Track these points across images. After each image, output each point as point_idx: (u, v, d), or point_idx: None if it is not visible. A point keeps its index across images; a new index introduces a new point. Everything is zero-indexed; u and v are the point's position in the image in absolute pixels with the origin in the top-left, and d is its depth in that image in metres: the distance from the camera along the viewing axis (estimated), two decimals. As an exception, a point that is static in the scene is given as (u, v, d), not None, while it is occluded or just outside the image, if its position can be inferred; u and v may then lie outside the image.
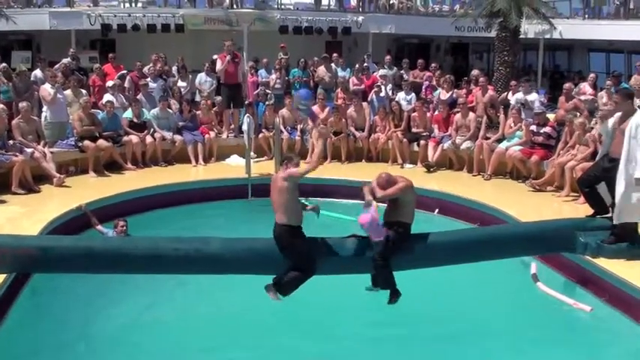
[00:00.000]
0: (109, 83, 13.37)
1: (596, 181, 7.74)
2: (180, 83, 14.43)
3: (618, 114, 7.45)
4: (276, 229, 6.53)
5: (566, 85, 13.04)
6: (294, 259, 6.50)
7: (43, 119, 11.72)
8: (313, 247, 6.58)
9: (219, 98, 13.70)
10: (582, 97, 12.65)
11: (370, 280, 6.88)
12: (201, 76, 14.58)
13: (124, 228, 8.35)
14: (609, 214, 7.47)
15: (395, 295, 6.68)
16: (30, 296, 7.17)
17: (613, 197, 7.34)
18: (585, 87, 13.80)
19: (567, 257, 7.67)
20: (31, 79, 13.25)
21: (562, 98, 12.61)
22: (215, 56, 15.25)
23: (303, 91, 6.61)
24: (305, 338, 6.56)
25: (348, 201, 10.36)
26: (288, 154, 7.25)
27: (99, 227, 8.75)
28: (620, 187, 7.04)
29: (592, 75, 14.60)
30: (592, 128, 10.05)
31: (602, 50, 22.88)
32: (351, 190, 10.53)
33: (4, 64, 13.82)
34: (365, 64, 15.87)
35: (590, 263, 7.26)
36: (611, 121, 7.48)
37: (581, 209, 8.76)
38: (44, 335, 6.56)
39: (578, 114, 10.96)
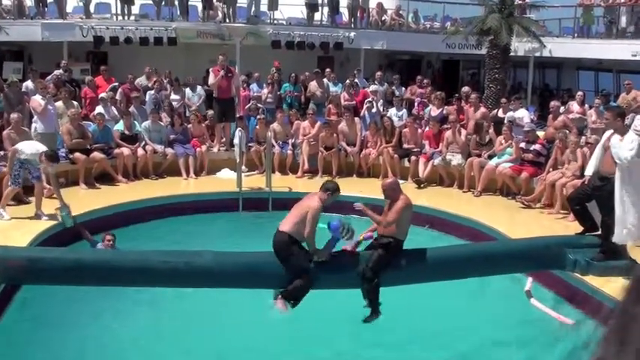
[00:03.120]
0: (102, 95, 13.37)
1: (586, 199, 7.79)
2: (173, 96, 14.45)
3: (608, 132, 7.54)
4: (276, 236, 6.54)
5: (552, 104, 13.17)
6: (291, 268, 6.51)
7: (33, 130, 11.67)
8: (309, 261, 6.58)
9: (210, 112, 13.72)
10: (571, 116, 12.78)
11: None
12: (188, 92, 14.65)
13: (111, 242, 8.34)
14: (598, 232, 7.53)
15: (374, 315, 6.67)
16: (20, 307, 7.14)
17: (603, 215, 7.40)
18: (573, 105, 13.93)
19: (557, 274, 7.71)
20: (22, 90, 13.23)
21: (551, 116, 12.74)
22: (211, 70, 15.32)
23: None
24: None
25: (338, 215, 10.34)
26: (336, 185, 7.01)
27: (91, 239, 8.76)
28: (618, 207, 7.09)
29: (580, 93, 14.74)
30: (582, 146, 10.13)
31: (591, 69, 23.10)
32: (341, 205, 10.63)
33: (-5, 75, 13.81)
34: (355, 80, 15.95)
35: (579, 280, 7.30)
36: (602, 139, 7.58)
37: (571, 226, 8.82)
38: (34, 346, 6.52)
39: (568, 132, 11.05)
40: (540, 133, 12.15)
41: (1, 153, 10.40)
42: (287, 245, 6.48)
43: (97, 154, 11.56)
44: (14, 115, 10.98)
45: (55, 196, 9.31)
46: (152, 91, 14.31)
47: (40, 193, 9.35)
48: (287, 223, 6.54)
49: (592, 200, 7.77)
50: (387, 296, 6.69)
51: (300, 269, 6.49)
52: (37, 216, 9.16)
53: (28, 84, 13.59)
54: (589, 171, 7.86)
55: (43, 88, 12.30)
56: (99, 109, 12.74)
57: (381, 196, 7.05)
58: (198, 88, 14.85)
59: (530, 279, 8.03)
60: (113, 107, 13.21)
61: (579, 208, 7.96)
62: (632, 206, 7.06)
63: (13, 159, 9.14)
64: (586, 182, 7.96)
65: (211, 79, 13.22)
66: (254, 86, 15.67)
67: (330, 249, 6.67)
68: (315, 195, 6.71)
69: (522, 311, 7.65)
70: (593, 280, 7.20)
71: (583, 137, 10.73)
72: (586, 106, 14.01)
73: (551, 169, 10.55)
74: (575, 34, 21.31)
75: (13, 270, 6.67)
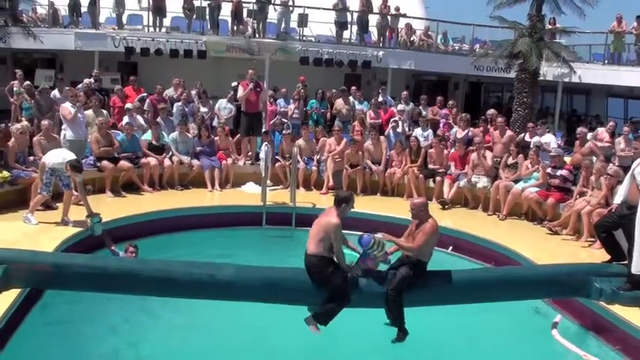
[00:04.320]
0: (128, 105, 13.51)
1: (613, 227, 7.71)
2: (201, 109, 14.57)
3: (637, 160, 7.47)
4: (306, 259, 6.57)
5: (579, 130, 13.07)
6: (329, 289, 6.54)
7: (62, 137, 11.83)
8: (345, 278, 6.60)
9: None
10: (599, 144, 12.65)
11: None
12: (222, 102, 14.82)
13: (134, 254, 8.40)
14: (625, 261, 7.42)
15: (402, 334, 6.68)
16: (41, 312, 7.19)
17: (630, 244, 7.30)
18: (603, 133, 13.76)
19: (582, 303, 7.60)
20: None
21: (578, 142, 12.63)
22: (234, 83, 15.46)
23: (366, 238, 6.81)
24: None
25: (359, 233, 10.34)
26: (347, 194, 6.99)
27: (112, 248, 8.82)
28: (638, 236, 7.00)
29: (611, 123, 14.54)
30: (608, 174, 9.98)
31: (621, 96, 22.89)
32: (364, 223, 10.64)
33: (27, 82, 14.03)
34: (380, 99, 15.96)
35: (605, 310, 7.19)
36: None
37: (596, 254, 8.73)
38: (52, 352, 6.56)
39: (595, 158, 10.93)
40: (567, 159, 12.03)
41: (31, 158, 10.54)
42: (321, 267, 6.51)
43: (124, 163, 11.67)
44: (45, 122, 11.17)
45: (81, 203, 9.39)
46: (179, 103, 14.45)
47: (68, 201, 9.45)
48: (312, 243, 6.55)
49: (619, 229, 7.68)
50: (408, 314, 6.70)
51: (340, 290, 6.51)
52: (64, 222, 9.24)
53: (56, 93, 13.79)
54: (617, 199, 7.79)
55: (74, 96, 12.46)
56: (126, 119, 12.88)
57: (404, 215, 7.00)
58: (233, 103, 14.97)
59: (559, 315, 7.90)
60: (139, 117, 13.33)
61: (606, 235, 7.89)
62: None
63: (42, 170, 9.23)
64: (613, 210, 7.88)
65: (240, 92, 13.32)
66: (281, 101, 15.76)
67: (362, 265, 6.69)
68: (331, 210, 6.70)
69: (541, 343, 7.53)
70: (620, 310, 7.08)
71: (610, 165, 10.61)
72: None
73: (578, 196, 10.41)
74: (606, 61, 21.15)
75: (39, 275, 6.75)
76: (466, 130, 13.58)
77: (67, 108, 11.97)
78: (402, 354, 6.73)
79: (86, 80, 15.15)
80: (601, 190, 9.84)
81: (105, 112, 13.03)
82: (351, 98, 15.74)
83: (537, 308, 8.15)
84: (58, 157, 9.37)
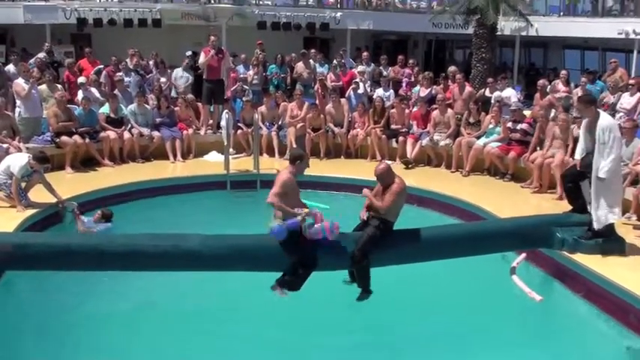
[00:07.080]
0: (80, 80, 13.14)
1: (580, 177, 7.80)
2: (161, 79, 14.31)
3: (585, 120, 7.58)
4: None
5: (540, 82, 13.19)
6: (296, 254, 6.51)
7: (17, 115, 11.54)
8: (314, 243, 6.57)
9: (190, 96, 13.56)
10: (557, 95, 12.79)
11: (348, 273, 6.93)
12: (177, 72, 14.52)
13: (98, 216, 8.73)
14: (586, 214, 7.54)
15: (366, 293, 6.72)
16: (4, 292, 7.08)
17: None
18: (558, 85, 13.95)
19: (545, 252, 7.73)
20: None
21: (537, 95, 12.75)
22: (188, 52, 15.22)
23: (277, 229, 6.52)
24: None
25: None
26: (299, 152, 7.10)
27: (80, 217, 8.78)
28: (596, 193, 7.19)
29: (564, 72, 14.73)
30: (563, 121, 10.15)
31: (577, 47, 23.14)
32: (329, 187, 10.70)
33: (-23, 59, 13.59)
34: (342, 61, 15.87)
35: (568, 259, 7.33)
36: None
37: (559, 205, 8.86)
38: (17, 330, 6.50)
39: (554, 110, 11.06)
40: (527, 113, 12.15)
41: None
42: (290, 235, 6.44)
43: (77, 138, 11.30)
44: (-3, 99, 10.83)
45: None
46: (135, 74, 14.16)
47: (33, 184, 9.09)
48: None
49: (585, 179, 7.78)
50: (376, 273, 6.74)
51: (307, 256, 6.50)
52: (24, 202, 8.93)
53: (10, 68, 13.41)
54: (577, 155, 7.86)
55: (27, 71, 12.11)
56: (80, 93, 12.58)
57: (367, 177, 7.00)
58: (190, 72, 14.72)
59: (521, 256, 8.02)
60: (94, 90, 13.01)
61: (572, 186, 7.97)
62: (610, 189, 7.17)
63: (16, 185, 8.75)
64: (577, 166, 7.94)
65: (202, 59, 13.05)
66: (240, 68, 15.56)
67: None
68: (284, 170, 6.69)
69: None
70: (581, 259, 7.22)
71: (571, 115, 10.77)
72: (572, 84, 14.03)
73: (538, 148, 10.54)
74: (561, 13, 21.29)
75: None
76: (429, 89, 13.59)
77: (20, 84, 11.65)
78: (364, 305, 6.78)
79: (39, 55, 14.74)
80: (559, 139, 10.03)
81: (59, 86, 12.68)
82: (311, 61, 15.62)
83: (504, 255, 8.25)
84: (19, 162, 8.84)
